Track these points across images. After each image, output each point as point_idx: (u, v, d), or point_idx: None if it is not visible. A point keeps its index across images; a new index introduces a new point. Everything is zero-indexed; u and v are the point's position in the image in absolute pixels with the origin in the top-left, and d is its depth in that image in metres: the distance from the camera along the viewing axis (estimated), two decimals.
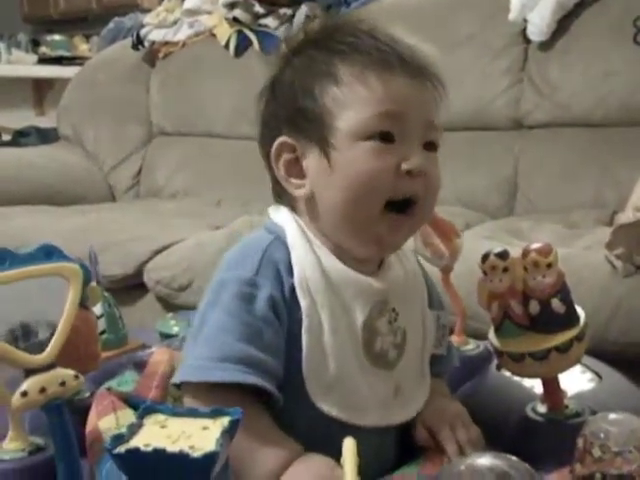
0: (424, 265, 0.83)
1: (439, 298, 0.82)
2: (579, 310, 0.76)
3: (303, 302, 0.68)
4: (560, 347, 0.73)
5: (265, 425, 0.66)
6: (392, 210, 0.69)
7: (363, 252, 0.72)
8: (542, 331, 0.74)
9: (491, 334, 0.78)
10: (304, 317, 0.67)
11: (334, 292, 0.69)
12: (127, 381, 0.83)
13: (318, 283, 0.69)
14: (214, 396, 0.64)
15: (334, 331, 0.68)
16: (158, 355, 0.84)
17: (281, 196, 0.75)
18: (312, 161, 0.70)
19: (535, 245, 0.75)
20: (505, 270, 0.74)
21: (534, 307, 0.74)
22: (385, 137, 0.68)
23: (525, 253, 0.74)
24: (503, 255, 0.75)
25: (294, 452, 0.65)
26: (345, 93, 0.69)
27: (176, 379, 0.67)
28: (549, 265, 0.73)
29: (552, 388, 0.76)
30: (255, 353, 0.65)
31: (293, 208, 0.73)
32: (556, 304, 0.73)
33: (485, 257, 0.76)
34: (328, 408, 0.68)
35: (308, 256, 0.70)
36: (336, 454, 0.57)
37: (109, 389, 0.80)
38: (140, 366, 0.84)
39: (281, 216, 0.73)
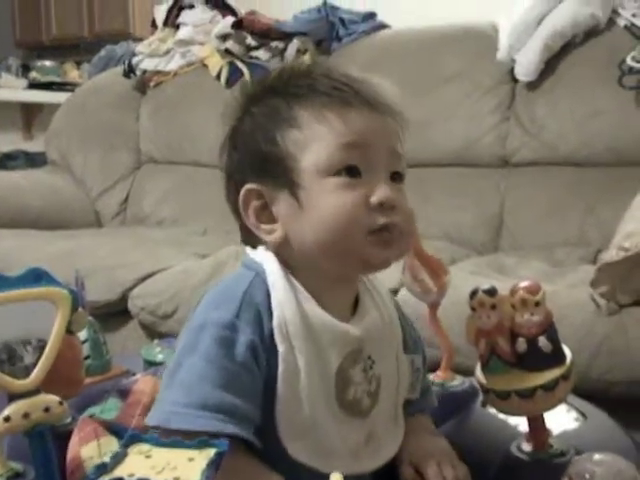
0: (407, 301, 0.82)
1: (415, 339, 0.82)
2: (566, 349, 0.76)
3: (281, 347, 0.67)
4: (546, 385, 0.72)
5: (246, 461, 0.65)
6: (375, 233, 0.68)
7: (353, 274, 0.72)
8: (529, 369, 0.74)
9: (478, 370, 0.78)
10: (280, 362, 0.67)
11: (311, 337, 0.68)
12: (110, 408, 0.82)
13: (297, 327, 0.68)
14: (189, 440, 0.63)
15: (309, 377, 0.67)
16: (142, 384, 0.83)
17: (251, 243, 0.74)
18: (282, 205, 0.70)
19: (524, 283, 0.75)
20: (493, 307, 0.74)
21: (521, 345, 0.74)
22: (351, 171, 0.68)
23: (513, 291, 0.74)
24: (491, 292, 0.75)
25: None
26: (306, 134, 0.69)
27: (152, 422, 0.65)
28: (537, 303, 0.73)
29: (537, 426, 0.76)
30: (233, 400, 0.64)
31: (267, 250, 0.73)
32: (543, 342, 0.73)
33: (473, 294, 0.76)
34: (297, 454, 0.67)
35: (289, 298, 0.69)
36: None
37: (92, 416, 0.79)
38: (124, 393, 0.83)
39: (259, 254, 0.73)
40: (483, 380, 0.77)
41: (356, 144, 0.68)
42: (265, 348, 0.67)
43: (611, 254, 1.27)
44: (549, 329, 0.74)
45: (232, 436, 0.62)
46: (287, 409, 0.67)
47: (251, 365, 0.66)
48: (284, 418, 0.67)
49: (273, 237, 0.71)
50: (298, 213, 0.69)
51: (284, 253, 0.71)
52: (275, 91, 0.73)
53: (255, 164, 0.71)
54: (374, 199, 0.68)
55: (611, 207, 1.80)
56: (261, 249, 0.73)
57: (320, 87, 0.70)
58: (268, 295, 0.69)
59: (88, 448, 0.73)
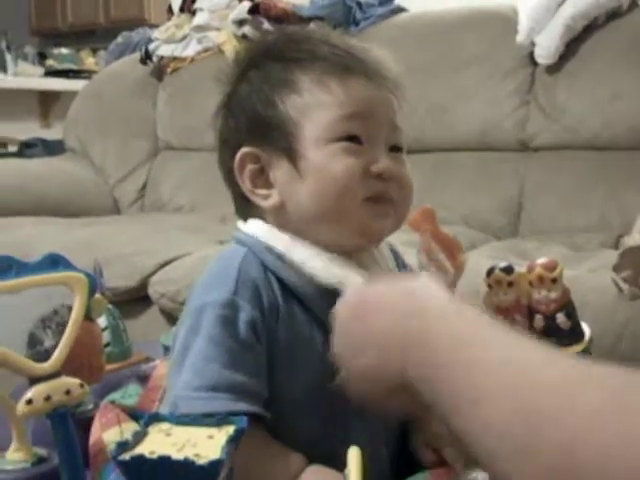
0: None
1: None
2: (584, 326, 0.75)
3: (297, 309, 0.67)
4: None
5: (264, 441, 0.65)
6: (371, 201, 0.68)
7: (349, 244, 0.70)
8: None
9: None
10: (293, 326, 0.67)
11: (301, 306, 0.68)
12: (131, 394, 0.82)
13: (297, 285, 0.68)
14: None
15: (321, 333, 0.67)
16: (161, 369, 0.83)
17: (246, 211, 0.73)
18: (279, 170, 0.69)
19: (540, 260, 0.74)
20: (510, 285, 0.74)
21: (539, 322, 0.73)
22: (352, 139, 0.68)
23: (530, 268, 0.74)
24: (508, 270, 0.75)
25: (300, 463, 0.64)
26: (307, 100, 0.68)
27: (165, 410, 0.65)
28: (554, 280, 0.73)
29: None
30: (241, 379, 0.63)
31: (262, 220, 0.72)
32: (561, 319, 0.73)
33: (490, 271, 0.75)
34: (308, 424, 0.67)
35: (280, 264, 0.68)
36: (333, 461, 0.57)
37: (113, 402, 0.80)
38: (143, 379, 0.84)
39: (251, 226, 0.72)
40: None
41: (359, 115, 0.68)
42: (265, 322, 0.66)
43: (634, 238, 1.26)
44: (567, 306, 0.73)
45: (245, 414, 0.61)
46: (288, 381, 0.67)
47: (254, 342, 0.65)
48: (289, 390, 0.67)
49: (269, 203, 0.70)
50: (296, 179, 0.68)
51: (279, 221, 0.70)
52: (273, 56, 0.72)
53: (253, 128, 0.71)
54: (374, 168, 0.68)
55: (633, 191, 1.78)
56: (252, 221, 0.72)
57: (320, 53, 0.70)
58: (263, 268, 0.68)
59: (110, 433, 0.73)
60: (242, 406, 0.62)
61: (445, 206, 1.89)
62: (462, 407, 0.48)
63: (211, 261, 0.71)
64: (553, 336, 0.73)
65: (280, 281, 0.68)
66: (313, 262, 0.68)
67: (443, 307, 0.55)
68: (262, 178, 0.70)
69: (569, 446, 0.41)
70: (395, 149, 0.71)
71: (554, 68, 1.98)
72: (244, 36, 2.46)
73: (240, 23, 2.48)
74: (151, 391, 0.80)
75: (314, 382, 0.67)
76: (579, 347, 0.73)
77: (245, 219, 0.73)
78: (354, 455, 0.52)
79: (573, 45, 1.96)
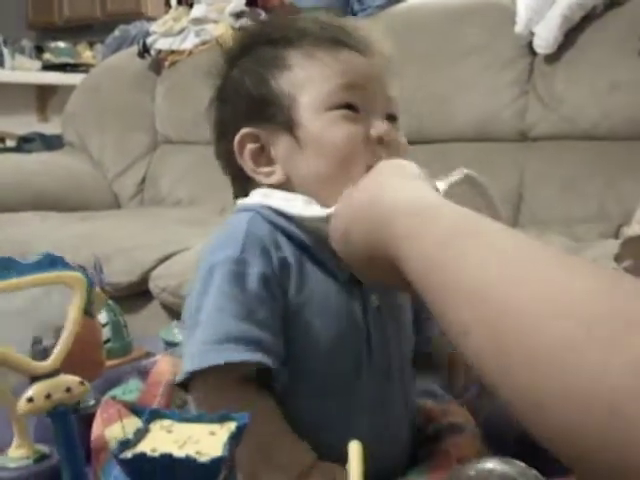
0: None
1: None
2: None
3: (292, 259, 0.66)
4: None
5: (278, 427, 0.64)
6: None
7: None
8: None
9: None
10: (310, 282, 0.66)
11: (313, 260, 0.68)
12: (131, 389, 0.82)
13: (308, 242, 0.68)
14: (220, 383, 0.62)
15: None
16: (161, 364, 0.83)
17: (247, 192, 0.73)
18: (280, 145, 0.70)
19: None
20: None
21: None
22: (349, 108, 0.68)
23: None
24: None
25: (309, 458, 0.64)
26: (299, 75, 0.69)
27: (180, 376, 0.65)
28: None
29: None
30: (256, 332, 0.62)
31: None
32: None
33: None
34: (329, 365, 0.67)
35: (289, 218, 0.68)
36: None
37: (114, 397, 0.80)
38: (144, 375, 0.84)
39: (254, 196, 0.71)
40: None
41: (354, 85, 0.68)
42: (277, 279, 0.65)
43: (634, 228, 1.26)
44: None
45: (259, 365, 0.62)
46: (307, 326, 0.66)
47: (266, 297, 0.64)
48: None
49: (273, 179, 0.70)
50: (297, 151, 0.69)
51: None
52: (261, 40, 0.72)
53: (249, 109, 0.71)
54: (374, 132, 0.68)
55: (632, 181, 1.78)
56: (255, 192, 0.71)
57: (309, 30, 0.70)
58: (270, 229, 0.67)
59: (112, 429, 0.73)
60: (259, 357, 0.61)
61: None
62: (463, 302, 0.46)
63: (216, 229, 0.70)
64: None
65: (290, 239, 0.67)
66: (311, 209, 0.68)
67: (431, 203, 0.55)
68: (263, 156, 0.70)
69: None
70: (391, 118, 0.71)
71: (553, 58, 1.98)
72: (242, 28, 2.46)
73: (238, 15, 2.48)
74: (152, 386, 0.80)
75: (331, 346, 0.66)
76: None
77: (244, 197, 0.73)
78: (355, 449, 0.52)
79: (572, 35, 1.95)
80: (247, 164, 0.71)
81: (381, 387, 0.70)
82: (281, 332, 0.65)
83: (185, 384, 0.65)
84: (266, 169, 0.70)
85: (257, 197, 0.71)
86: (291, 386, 0.65)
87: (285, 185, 0.70)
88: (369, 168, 0.66)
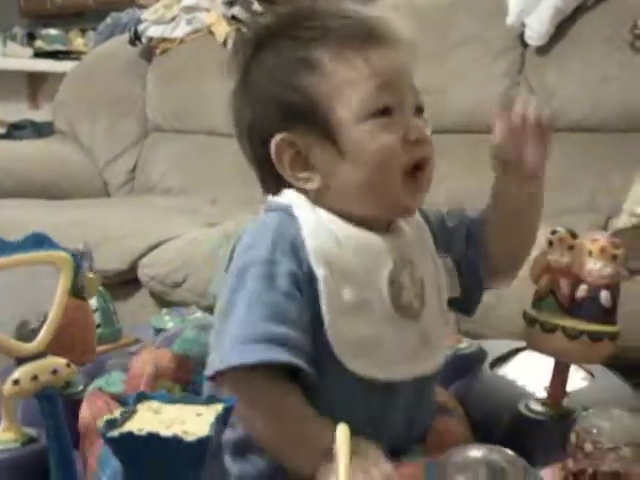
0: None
1: (446, 235, 0.80)
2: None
3: (320, 272, 0.67)
4: (593, 334, 0.73)
5: (295, 400, 0.67)
6: (409, 176, 0.70)
7: (386, 218, 0.73)
8: (579, 318, 0.74)
9: (528, 307, 0.78)
10: (322, 287, 0.67)
11: (354, 256, 0.69)
12: (115, 381, 0.83)
13: (334, 251, 0.68)
14: (250, 379, 0.65)
15: (358, 294, 0.68)
16: (144, 354, 0.84)
17: (279, 189, 0.73)
18: (318, 153, 0.70)
19: (607, 235, 0.76)
20: (570, 248, 0.75)
21: (582, 292, 0.74)
22: (385, 112, 0.69)
23: (595, 239, 0.75)
24: (574, 233, 0.76)
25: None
26: (332, 79, 0.69)
27: (210, 370, 0.67)
28: (614, 257, 0.74)
29: (561, 379, 0.77)
30: (284, 330, 0.65)
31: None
32: (605, 296, 0.74)
33: (556, 230, 0.77)
34: (360, 369, 0.68)
35: (320, 227, 0.69)
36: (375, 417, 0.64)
37: (100, 389, 0.80)
38: (126, 367, 0.84)
39: (286, 196, 0.72)
40: (532, 312, 0.77)
41: (386, 84, 0.69)
42: (305, 277, 0.67)
43: (623, 220, 1.26)
44: (614, 287, 0.74)
45: (287, 365, 0.64)
46: (340, 330, 0.68)
47: (295, 294, 0.67)
48: (339, 340, 0.67)
49: (312, 185, 0.71)
50: (338, 161, 0.69)
51: (320, 200, 0.71)
52: (282, 34, 0.71)
53: (281, 115, 0.71)
54: (412, 136, 0.69)
55: (622, 173, 1.78)
56: (287, 191, 0.72)
57: (333, 27, 0.69)
58: (299, 228, 0.69)
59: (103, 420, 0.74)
60: (285, 357, 0.64)
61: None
62: None
63: (247, 227, 0.72)
64: (590, 310, 0.74)
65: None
66: (319, 235, 0.69)
67: None
68: (300, 162, 0.71)
69: None
70: (419, 110, 0.72)
71: (544, 50, 1.97)
72: (234, 17, 2.44)
73: (230, 4, 2.46)
74: (135, 378, 0.81)
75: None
76: (611, 328, 0.74)
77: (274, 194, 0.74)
78: (342, 433, 0.52)
79: (563, 27, 1.95)
80: (286, 171, 0.71)
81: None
82: (310, 330, 0.67)
83: (213, 377, 0.67)
84: (305, 174, 0.71)
85: (289, 198, 0.72)
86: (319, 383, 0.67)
87: (322, 191, 0.71)
88: (407, 176, 0.69)
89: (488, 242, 0.78)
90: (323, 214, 0.71)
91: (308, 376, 0.66)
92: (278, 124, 0.70)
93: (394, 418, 0.70)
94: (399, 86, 0.70)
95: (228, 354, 0.65)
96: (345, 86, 0.68)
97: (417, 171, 0.71)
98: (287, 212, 0.70)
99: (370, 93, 0.68)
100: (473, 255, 0.78)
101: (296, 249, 0.68)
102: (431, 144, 0.72)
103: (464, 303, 0.80)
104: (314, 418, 0.66)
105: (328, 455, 0.63)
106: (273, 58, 0.71)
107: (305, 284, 0.67)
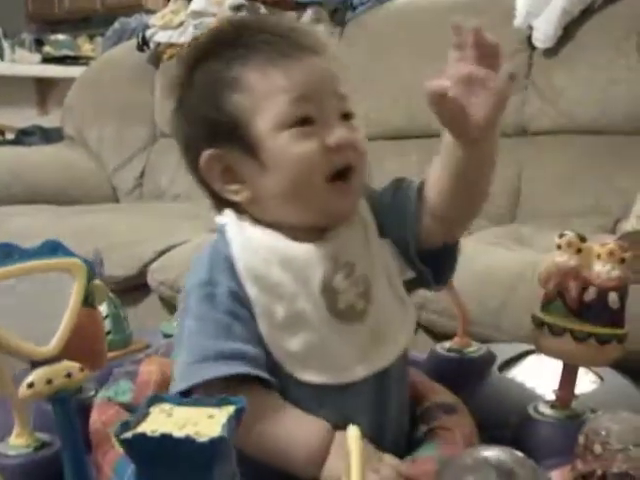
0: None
1: (400, 209, 0.75)
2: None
3: (251, 291, 0.69)
4: (601, 336, 0.74)
5: (283, 406, 0.68)
6: (333, 180, 0.71)
7: (317, 224, 0.73)
8: (587, 321, 0.74)
9: (536, 310, 0.78)
10: (255, 306, 0.69)
11: (282, 271, 0.70)
12: (124, 390, 0.84)
13: (261, 267, 0.70)
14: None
15: (290, 308, 0.69)
16: (148, 364, 0.86)
17: (223, 206, 0.76)
18: (243, 166, 0.72)
19: (616, 238, 0.75)
20: (579, 251, 0.75)
21: (590, 294, 0.74)
22: (305, 121, 0.70)
23: (604, 243, 0.75)
24: (582, 237, 0.76)
25: (325, 431, 0.67)
26: (252, 96, 0.71)
27: (172, 391, 0.68)
28: (622, 260, 0.74)
29: (570, 381, 0.77)
30: (233, 346, 0.67)
31: (238, 211, 0.75)
32: (613, 298, 0.74)
33: (563, 234, 0.76)
34: (312, 377, 0.69)
35: (247, 244, 0.71)
36: (340, 422, 0.63)
37: (109, 399, 0.81)
38: (133, 375, 0.85)
39: (225, 214, 0.75)
40: (540, 315, 0.77)
41: (305, 96, 0.70)
42: (243, 293, 0.69)
43: (632, 223, 1.26)
44: (622, 289, 0.74)
45: (246, 376, 0.65)
46: (280, 343, 0.69)
47: (238, 311, 0.69)
48: (282, 352, 0.69)
49: (241, 197, 0.73)
50: (261, 172, 0.71)
51: (256, 210, 0.73)
52: (211, 55, 0.74)
53: (207, 133, 0.73)
54: (330, 141, 0.70)
55: (630, 176, 1.78)
56: (226, 211, 0.75)
57: (256, 44, 0.71)
58: (230, 249, 0.71)
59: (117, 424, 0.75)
60: (242, 368, 0.65)
61: None
62: None
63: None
64: (598, 313, 0.74)
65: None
66: (246, 254, 0.71)
67: None
68: (230, 174, 0.73)
69: None
70: (346, 117, 0.72)
71: (552, 52, 1.98)
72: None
73: (237, 9, 2.47)
74: (142, 386, 0.82)
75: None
76: (619, 331, 0.74)
77: (222, 210, 0.76)
78: (354, 434, 0.52)
79: (571, 29, 1.95)
80: (216, 184, 0.74)
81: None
82: (259, 340, 0.68)
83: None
84: (234, 187, 0.73)
85: (226, 216, 0.74)
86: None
87: (254, 202, 0.73)
88: (330, 182, 0.70)
89: (435, 205, 0.72)
90: (250, 230, 0.72)
91: (271, 386, 0.67)
92: (205, 141, 0.73)
93: (361, 420, 0.68)
94: (320, 95, 0.70)
95: (182, 377, 0.67)
96: (263, 100, 0.70)
97: (342, 177, 0.71)
98: (222, 231, 0.73)
99: (288, 106, 0.69)
100: (416, 225, 0.73)
101: (232, 268, 0.70)
102: (358, 149, 0.71)
103: (426, 276, 0.76)
104: (301, 415, 0.68)
105: (316, 457, 0.65)
106: (203, 78, 0.73)
107: (245, 300, 0.69)
